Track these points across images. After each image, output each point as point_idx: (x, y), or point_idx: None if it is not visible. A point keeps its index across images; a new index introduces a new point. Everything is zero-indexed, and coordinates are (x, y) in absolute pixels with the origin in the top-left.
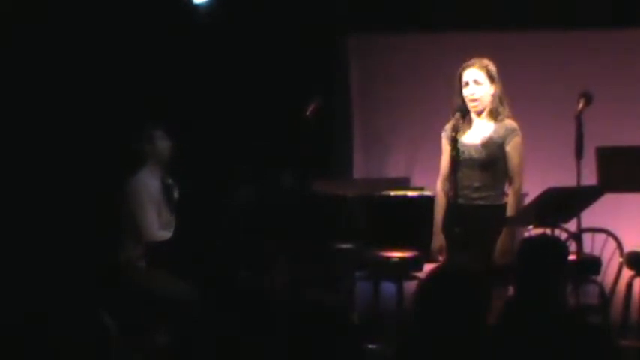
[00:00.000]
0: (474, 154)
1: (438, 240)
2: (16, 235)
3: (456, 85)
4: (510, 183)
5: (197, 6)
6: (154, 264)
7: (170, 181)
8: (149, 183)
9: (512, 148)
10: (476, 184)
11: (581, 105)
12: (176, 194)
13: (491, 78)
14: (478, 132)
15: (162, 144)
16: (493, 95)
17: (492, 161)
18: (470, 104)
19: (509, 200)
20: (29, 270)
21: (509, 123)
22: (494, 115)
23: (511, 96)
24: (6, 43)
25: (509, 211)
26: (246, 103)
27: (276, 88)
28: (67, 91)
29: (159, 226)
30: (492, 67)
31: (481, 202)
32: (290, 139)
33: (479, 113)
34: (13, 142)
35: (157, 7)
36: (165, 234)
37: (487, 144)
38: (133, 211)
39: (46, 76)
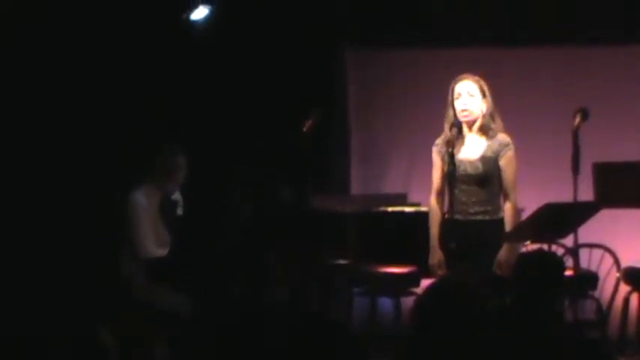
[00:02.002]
0: (470, 170)
1: (437, 255)
2: (15, 246)
3: (449, 97)
4: (506, 197)
5: (194, 23)
6: (153, 278)
7: (177, 196)
8: (148, 200)
9: (505, 163)
10: (473, 199)
11: (577, 121)
12: (179, 211)
13: (483, 93)
14: (472, 148)
15: (177, 176)
16: (484, 112)
17: (489, 177)
18: (460, 114)
19: (507, 215)
20: (28, 284)
21: (502, 137)
22: (485, 130)
23: (508, 111)
24: (6, 43)
25: (508, 227)
26: (245, 115)
27: (274, 101)
28: (67, 92)
29: (155, 244)
30: (484, 83)
31: (479, 217)
32: (288, 153)
33: (470, 126)
34: (13, 143)
35: (157, 9)
36: (161, 252)
37: (482, 160)
38: (130, 227)
39: (46, 77)
